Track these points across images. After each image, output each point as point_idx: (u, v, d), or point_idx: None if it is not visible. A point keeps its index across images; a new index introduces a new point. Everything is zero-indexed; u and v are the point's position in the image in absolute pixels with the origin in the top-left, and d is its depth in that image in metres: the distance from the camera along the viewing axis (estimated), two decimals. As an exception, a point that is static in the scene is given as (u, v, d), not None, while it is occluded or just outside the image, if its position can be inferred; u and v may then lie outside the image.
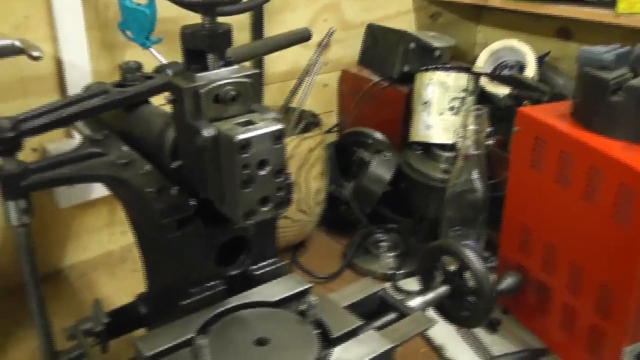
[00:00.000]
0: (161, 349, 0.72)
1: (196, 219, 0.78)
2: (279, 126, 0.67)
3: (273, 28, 1.59)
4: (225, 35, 0.70)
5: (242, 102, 0.71)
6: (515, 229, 1.18)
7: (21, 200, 0.80)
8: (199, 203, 0.79)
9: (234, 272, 0.86)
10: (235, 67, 0.72)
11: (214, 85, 0.69)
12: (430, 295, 0.94)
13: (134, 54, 1.31)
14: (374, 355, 0.72)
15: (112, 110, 0.94)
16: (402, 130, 1.58)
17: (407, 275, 1.40)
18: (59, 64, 1.29)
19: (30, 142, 1.27)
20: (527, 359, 1.16)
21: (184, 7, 0.88)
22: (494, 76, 1.54)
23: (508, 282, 1.08)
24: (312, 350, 0.72)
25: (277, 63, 1.65)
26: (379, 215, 1.56)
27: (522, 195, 1.15)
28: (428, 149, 1.50)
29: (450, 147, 1.44)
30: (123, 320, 0.97)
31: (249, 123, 0.68)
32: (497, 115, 1.36)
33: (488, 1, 1.69)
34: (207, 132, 0.67)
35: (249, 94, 0.72)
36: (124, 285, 1.41)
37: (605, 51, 1.00)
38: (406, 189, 1.49)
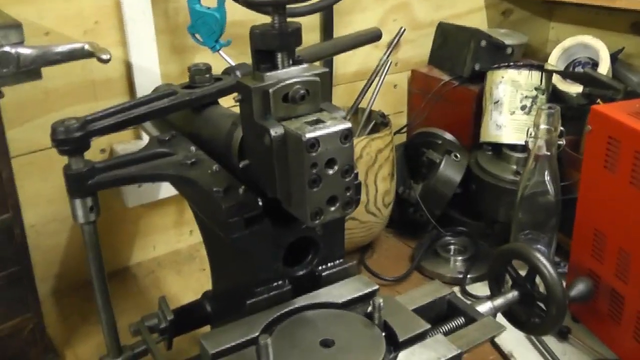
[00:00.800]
0: (226, 346, 0.72)
1: (264, 219, 0.78)
2: (347, 125, 0.66)
3: (343, 28, 1.59)
4: (295, 34, 0.70)
5: (311, 101, 0.71)
6: (587, 234, 1.13)
7: (88, 198, 0.82)
8: (266, 203, 0.79)
9: (301, 273, 0.85)
10: (305, 65, 0.72)
11: (283, 84, 0.69)
12: (499, 301, 0.91)
13: (203, 57, 1.33)
14: (442, 360, 0.70)
15: (180, 111, 0.96)
16: (473, 130, 1.56)
17: (476, 279, 1.36)
18: (128, 68, 1.32)
19: (99, 143, 1.32)
20: (600, 369, 1.12)
21: (253, 8, 0.89)
22: (567, 73, 1.49)
23: (579, 288, 1.04)
24: (378, 353, 0.70)
25: (347, 64, 1.65)
26: (449, 217, 1.53)
27: (595, 198, 1.11)
28: (499, 149, 1.46)
29: (522, 148, 1.41)
30: (188, 317, 0.98)
31: (317, 122, 0.68)
32: (569, 114, 1.32)
33: (561, -3, 1.64)
34: (275, 131, 0.67)
35: (318, 93, 0.71)
36: (191, 283, 1.43)
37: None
38: (476, 191, 1.46)
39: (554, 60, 1.54)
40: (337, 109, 0.71)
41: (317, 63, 1.32)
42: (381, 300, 0.74)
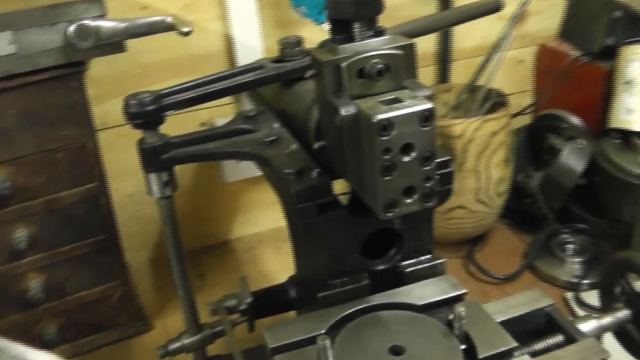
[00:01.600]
0: (287, 342, 0.67)
1: (339, 205, 0.71)
2: (428, 105, 0.58)
3: (461, -1, 1.47)
4: (373, 1, 0.62)
5: (392, 78, 0.62)
6: None
7: (163, 173, 0.79)
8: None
9: (381, 267, 0.78)
10: (387, 37, 0.63)
11: (358, 57, 0.61)
12: (607, 319, 0.78)
13: (307, 30, 1.28)
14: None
15: (271, 86, 0.91)
16: (602, 115, 1.40)
17: (595, 285, 1.22)
18: (229, 42, 1.29)
19: (199, 116, 1.30)
20: None
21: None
22: None
23: None
24: (454, 368, 0.62)
25: (467, 37, 1.55)
26: (569, 212, 1.39)
27: None
28: (628, 138, 1.30)
29: None
30: (271, 300, 0.94)
31: (395, 101, 0.59)
32: None
33: None
34: (346, 110, 0.59)
35: (400, 68, 0.62)
36: (290, 262, 1.38)
37: None
38: (600, 184, 1.30)
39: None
40: (423, 87, 0.62)
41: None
42: (463, 309, 0.65)
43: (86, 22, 0.90)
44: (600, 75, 1.41)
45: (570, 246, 1.33)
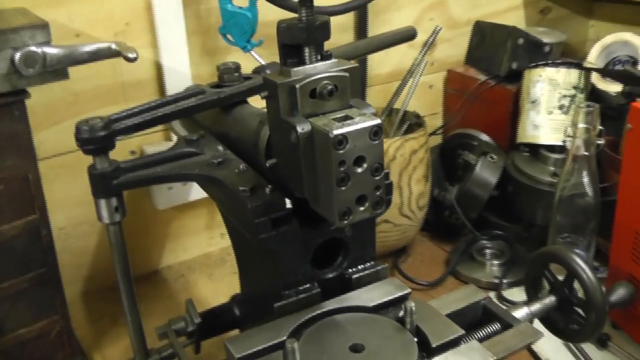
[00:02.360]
0: (252, 350, 0.70)
1: (291, 219, 0.76)
2: (377, 121, 0.64)
3: (377, 28, 1.55)
4: (322, 27, 0.68)
5: (340, 97, 0.69)
6: (627, 237, 1.08)
7: (113, 198, 0.80)
8: (295, 203, 0.77)
9: (330, 275, 0.83)
10: (334, 61, 0.70)
11: (310, 79, 0.66)
12: (536, 306, 0.87)
13: (235, 58, 1.30)
14: (476, 367, 0.67)
15: (209, 111, 0.94)
16: (510, 131, 1.52)
17: (513, 284, 1.32)
18: (159, 70, 1.30)
19: (129, 145, 1.31)
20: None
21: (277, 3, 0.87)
22: (606, 71, 1.44)
23: (619, 293, 0.99)
24: (410, 359, 0.67)
25: (382, 64, 1.62)
26: (485, 220, 1.49)
27: (635, 200, 1.06)
28: (536, 150, 1.42)
29: (560, 149, 1.37)
30: (216, 321, 0.97)
31: (346, 118, 0.65)
32: (609, 114, 1.28)
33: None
34: (302, 127, 0.65)
35: (347, 89, 0.69)
36: (222, 287, 1.41)
37: None
38: (513, 193, 1.41)
39: (594, 58, 1.49)
40: (367, 105, 0.69)
41: (348, 62, 1.30)
42: (413, 305, 0.71)
43: (32, 48, 0.90)
44: (508, 96, 1.53)
45: (489, 251, 1.44)
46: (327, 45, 0.71)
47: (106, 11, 1.23)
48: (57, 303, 1.10)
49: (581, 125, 1.12)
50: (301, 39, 0.67)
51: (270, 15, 1.13)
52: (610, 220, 1.12)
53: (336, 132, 0.62)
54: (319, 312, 0.76)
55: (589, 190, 1.15)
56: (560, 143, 1.28)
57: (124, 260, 0.88)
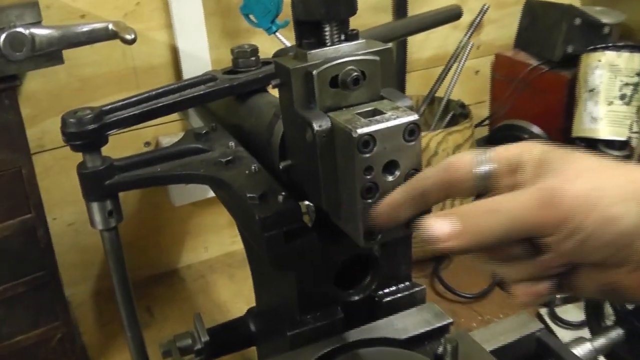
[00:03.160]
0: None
1: (309, 232, 0.63)
2: (413, 117, 0.51)
3: (419, 7, 1.42)
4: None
5: (368, 87, 0.55)
6: None
7: (107, 201, 0.70)
8: (315, 212, 0.64)
9: (356, 298, 0.70)
10: (361, 41, 0.56)
11: (331, 64, 0.53)
12: (601, 341, 0.74)
13: (258, 40, 1.20)
14: None
15: (223, 100, 0.83)
16: (564, 123, 1.41)
17: (568, 300, 1.18)
18: (174, 53, 1.21)
19: (144, 135, 1.21)
20: None
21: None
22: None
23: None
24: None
25: (423, 47, 1.51)
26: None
27: None
28: (594, 146, 1.30)
29: (621, 145, 1.26)
30: (229, 337, 0.86)
31: (375, 113, 0.52)
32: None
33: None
34: (320, 124, 0.52)
35: (377, 76, 0.55)
36: (244, 290, 1.31)
37: None
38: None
39: (659, 40, 1.35)
40: (402, 97, 0.55)
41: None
42: (455, 342, 0.58)
43: (19, 29, 0.80)
44: (562, 84, 1.41)
45: (541, 260, 1.30)
46: (360, 27, 0.58)
47: (115, -11, 1.14)
48: (58, 308, 1.02)
49: (650, 119, 0.98)
50: (319, 13, 0.53)
51: (298, -8, 1.02)
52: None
53: (361, 130, 0.49)
54: (340, 344, 0.64)
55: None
56: (623, 138, 1.14)
57: (122, 270, 0.79)
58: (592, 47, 1.33)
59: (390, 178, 0.51)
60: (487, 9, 1.40)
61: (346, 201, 0.53)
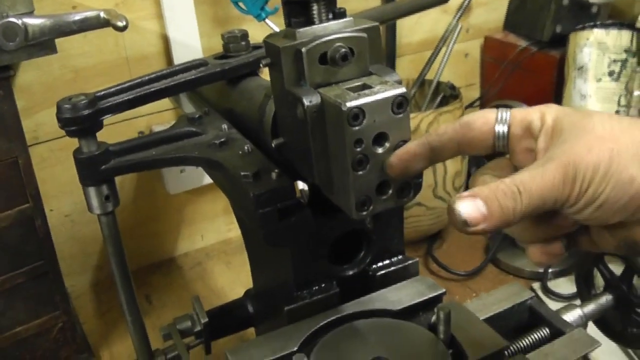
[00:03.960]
0: (255, 364, 0.60)
1: (303, 208, 0.64)
2: (401, 90, 0.52)
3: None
4: (333, -23, 0.56)
5: (357, 63, 0.56)
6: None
7: (103, 186, 0.71)
8: (311, 188, 0.66)
9: (350, 272, 0.72)
10: (348, 19, 0.57)
11: (319, 41, 0.55)
12: (590, 307, 0.76)
13: (248, 27, 1.21)
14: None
15: (215, 85, 0.84)
16: (554, 102, 1.38)
17: (560, 274, 1.20)
18: (166, 42, 1.22)
19: (137, 125, 1.22)
20: None
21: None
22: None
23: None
24: (444, 377, 0.56)
25: (412, 31, 1.52)
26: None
27: None
28: (583, 123, 1.29)
29: None
30: (227, 318, 0.87)
31: (364, 87, 0.54)
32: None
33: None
34: (310, 99, 0.53)
35: (365, 53, 0.56)
36: (240, 276, 1.32)
37: None
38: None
39: (647, 18, 1.35)
40: (390, 72, 0.57)
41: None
42: (448, 310, 0.60)
43: (12, 19, 0.80)
44: (552, 64, 1.42)
45: (533, 237, 1.31)
46: (350, 12, 0.59)
47: (104, -21, 1.14)
48: (58, 298, 1.02)
49: (637, 93, 0.99)
50: (307, -9, 0.55)
51: (286, -22, 1.02)
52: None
53: (350, 104, 0.50)
54: (336, 317, 0.65)
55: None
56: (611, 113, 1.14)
57: (120, 254, 0.80)
58: (580, 26, 1.33)
59: (380, 150, 0.53)
60: (475, -9, 1.42)
61: (338, 174, 0.55)
